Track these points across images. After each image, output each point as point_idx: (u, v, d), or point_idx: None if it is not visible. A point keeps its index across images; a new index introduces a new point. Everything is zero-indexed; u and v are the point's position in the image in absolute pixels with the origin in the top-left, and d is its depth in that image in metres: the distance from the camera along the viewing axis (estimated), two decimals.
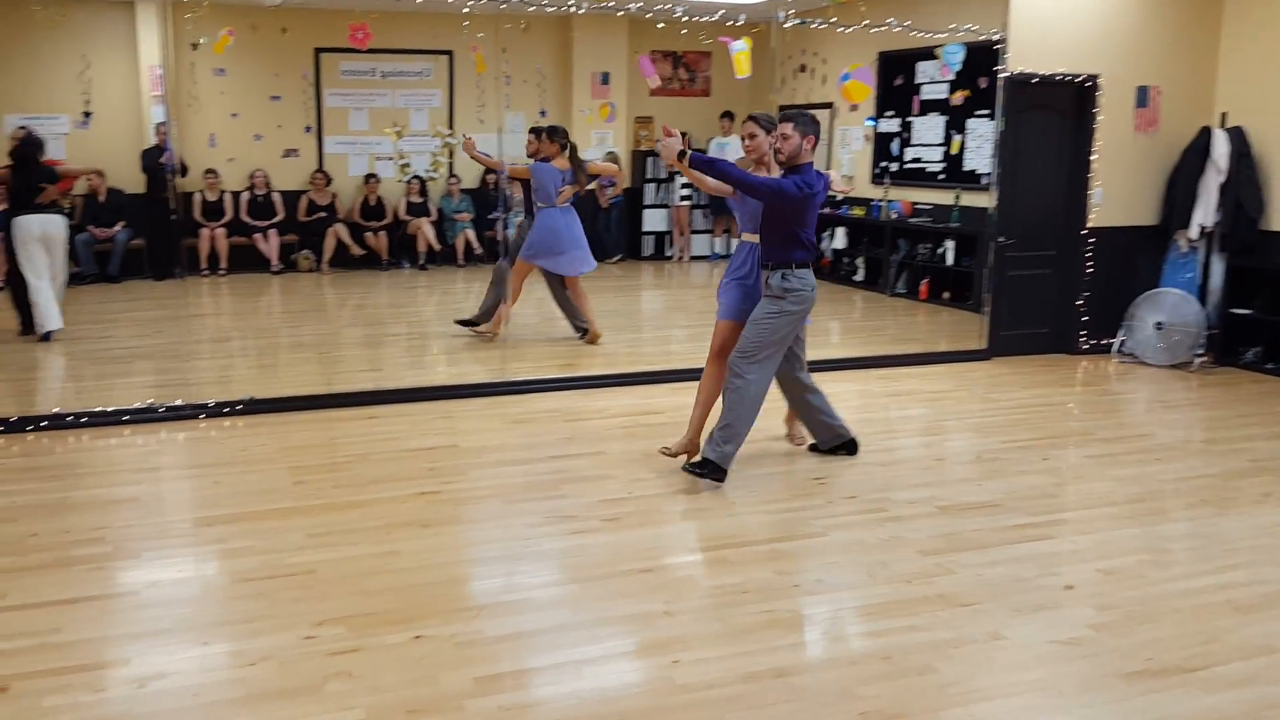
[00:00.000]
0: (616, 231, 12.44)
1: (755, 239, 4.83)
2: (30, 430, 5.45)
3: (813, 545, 4.08)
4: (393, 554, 3.90)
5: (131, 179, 10.72)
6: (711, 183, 4.82)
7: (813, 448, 5.27)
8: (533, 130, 7.76)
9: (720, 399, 4.77)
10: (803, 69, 11.61)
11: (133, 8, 10.60)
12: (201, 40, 9.46)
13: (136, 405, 5.77)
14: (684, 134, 4.65)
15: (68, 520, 4.18)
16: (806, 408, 5.14)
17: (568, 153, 7.47)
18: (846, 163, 11.22)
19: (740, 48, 6.02)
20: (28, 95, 10.53)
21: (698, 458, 4.73)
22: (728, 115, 12.18)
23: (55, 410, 5.65)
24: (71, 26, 10.43)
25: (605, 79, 12.15)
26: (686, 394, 6.31)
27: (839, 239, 11.10)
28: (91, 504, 4.40)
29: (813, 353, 5.31)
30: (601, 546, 3.99)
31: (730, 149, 12.32)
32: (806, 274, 4.64)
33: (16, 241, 7.44)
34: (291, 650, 3.13)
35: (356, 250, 11.52)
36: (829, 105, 11.32)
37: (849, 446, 5.20)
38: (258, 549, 3.92)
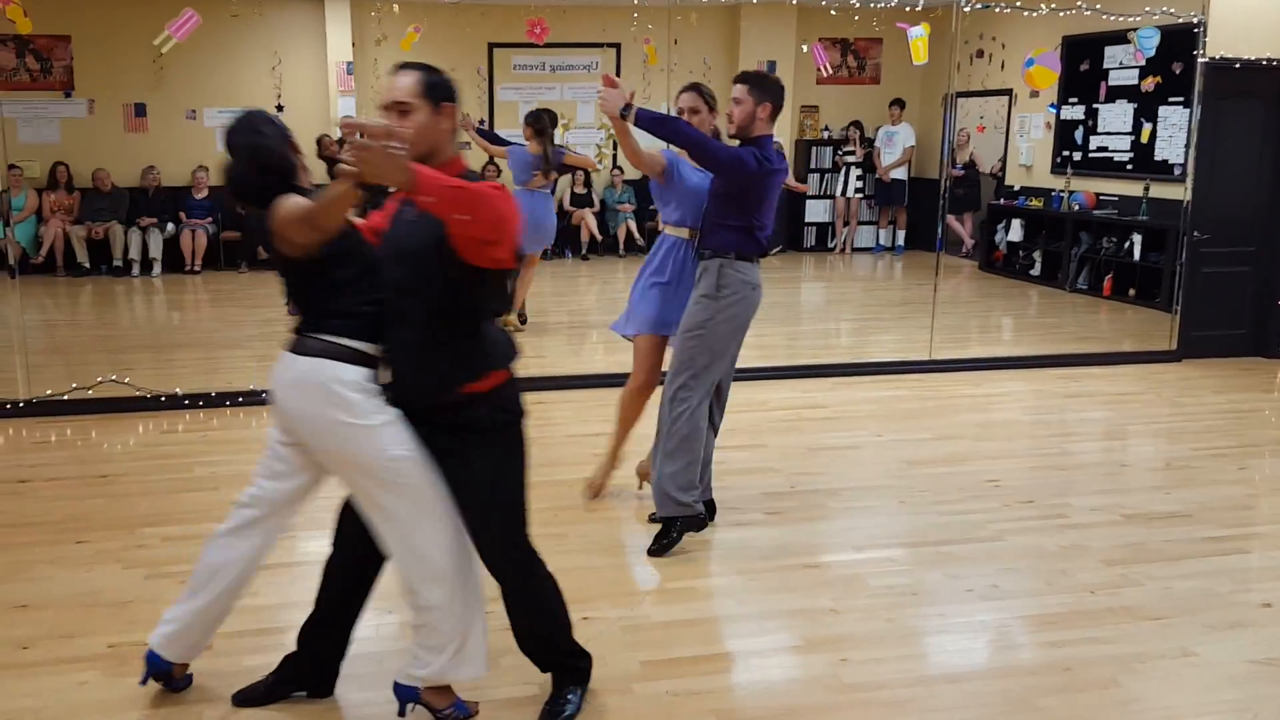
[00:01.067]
0: (777, 222, 12.33)
1: (682, 233, 4.02)
2: (228, 405, 5.84)
3: (987, 549, 3.94)
4: (560, 536, 3.99)
5: (315, 170, 11.33)
6: (645, 156, 3.87)
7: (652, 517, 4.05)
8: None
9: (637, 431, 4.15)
10: (980, 54, 11.21)
11: (322, 5, 11.17)
12: (384, 37, 9.87)
13: None
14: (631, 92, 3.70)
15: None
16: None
17: (544, 139, 7.46)
18: (1025, 151, 10.77)
19: (919, 33, 5.86)
20: (224, 89, 11.24)
21: (659, 525, 3.88)
22: (898, 103, 11.89)
23: (250, 387, 6.03)
24: (265, 24, 11.07)
25: (771, 68, 12.04)
26: (849, 389, 6.25)
27: (1015, 231, 10.68)
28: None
29: (982, 349, 5.12)
30: (765, 540, 3.97)
31: (899, 137, 12.02)
32: (749, 268, 3.81)
33: None
34: None
35: None
36: (1008, 92, 10.90)
37: (694, 522, 3.88)
38: None
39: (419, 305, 2.47)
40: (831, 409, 5.83)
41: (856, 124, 12.25)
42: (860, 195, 12.38)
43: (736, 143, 3.82)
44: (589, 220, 11.80)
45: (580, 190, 11.90)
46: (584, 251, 11.88)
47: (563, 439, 5.26)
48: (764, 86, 3.75)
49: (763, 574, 3.67)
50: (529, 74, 11.95)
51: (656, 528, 3.95)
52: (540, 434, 5.29)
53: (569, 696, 2.78)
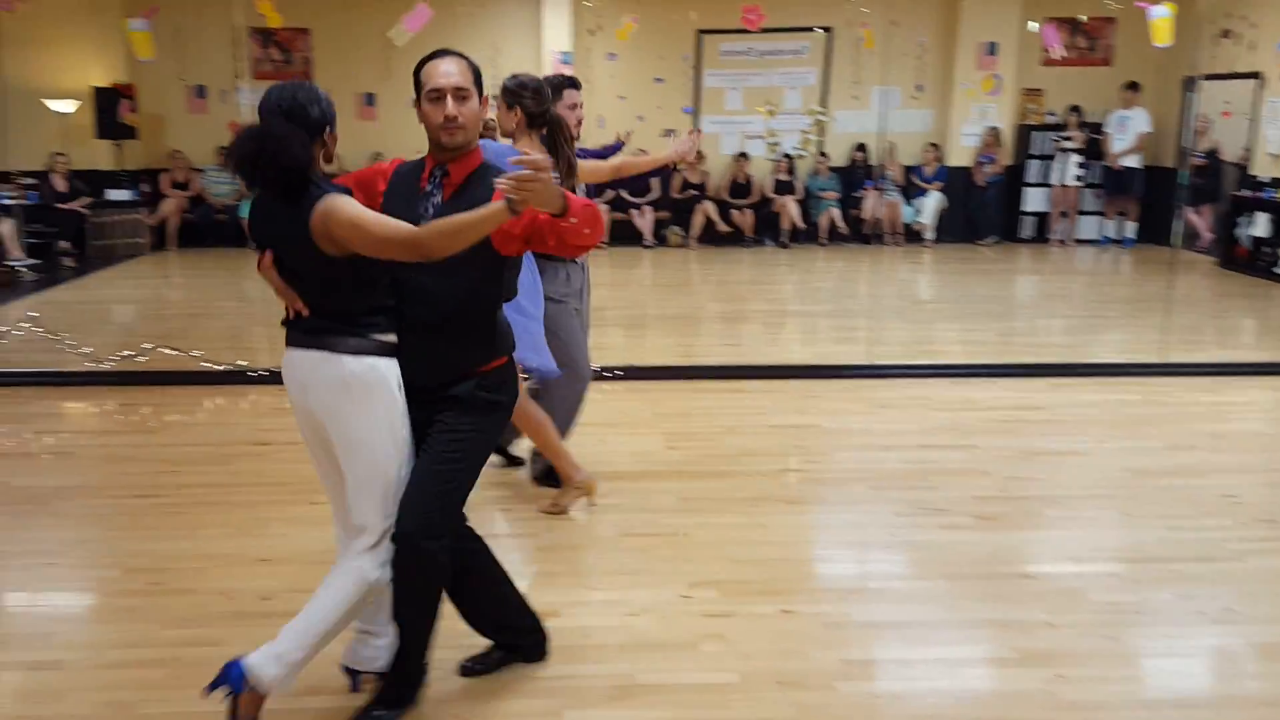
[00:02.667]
0: (993, 211, 11.81)
1: None
2: None
3: (1222, 570, 3.64)
4: (760, 527, 3.97)
5: None
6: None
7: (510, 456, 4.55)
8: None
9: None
10: (1226, 34, 10.32)
11: None
12: (599, 27, 10.08)
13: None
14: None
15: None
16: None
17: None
18: (1276, 139, 9.84)
19: (1162, 13, 5.44)
20: None
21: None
22: (1132, 86, 11.13)
23: None
24: (485, 16, 11.52)
25: (992, 49, 11.52)
26: (1069, 390, 5.91)
27: (1260, 225, 9.79)
28: (497, 450, 4.87)
29: (1221, 353, 4.71)
30: (975, 544, 3.82)
31: (1132, 122, 11.24)
32: None
33: None
34: (669, 607, 3.29)
35: (723, 227, 11.83)
36: (1256, 75, 10.00)
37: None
38: (636, 507, 4.15)
39: (452, 289, 2.51)
40: (1049, 411, 5.53)
41: (1075, 108, 11.54)
42: (1081, 184, 11.67)
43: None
44: (790, 208, 11.68)
45: (784, 177, 11.79)
46: (784, 239, 11.77)
47: (762, 429, 5.24)
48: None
49: (972, 580, 3.53)
50: (736, 60, 11.91)
51: (857, 519, 3.89)
52: (738, 423, 5.32)
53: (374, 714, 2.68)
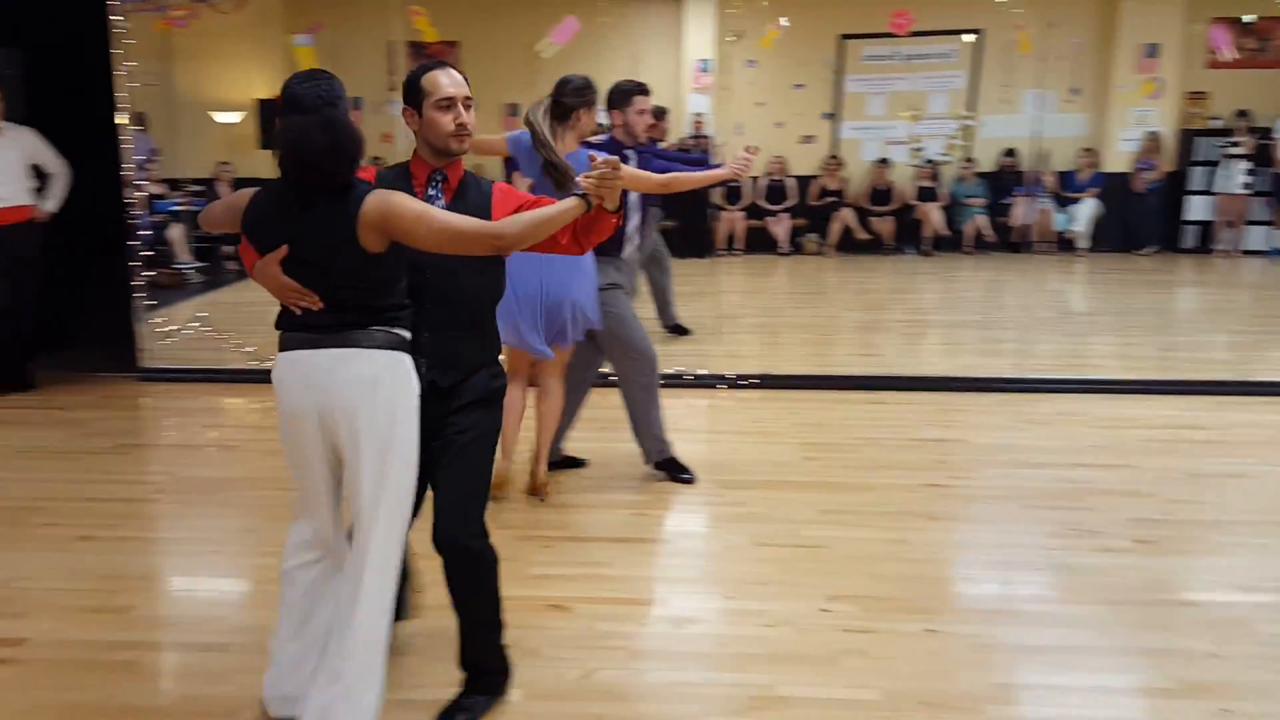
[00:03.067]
0: (1154, 219, 11.26)
1: None
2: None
3: None
4: (902, 542, 3.88)
5: None
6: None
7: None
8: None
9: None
10: None
11: (680, 6, 11.59)
12: (733, 37, 10.08)
13: (668, 371, 6.33)
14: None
15: (612, 469, 4.71)
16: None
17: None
18: None
19: None
20: None
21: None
22: None
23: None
24: (626, 26, 11.65)
25: (1152, 51, 10.99)
26: (1236, 409, 5.58)
27: None
28: (630, 456, 4.89)
29: None
30: (1134, 569, 3.63)
31: None
32: None
33: None
34: (807, 619, 3.25)
35: (861, 234, 11.64)
36: None
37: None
38: (774, 517, 4.12)
39: (477, 287, 2.62)
40: (1214, 431, 5.23)
41: (1243, 113, 10.88)
42: (1249, 192, 10.99)
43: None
44: (934, 215, 11.41)
45: (927, 184, 11.52)
46: (927, 247, 11.50)
47: (904, 442, 5.12)
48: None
49: (1130, 606, 3.37)
50: (880, 64, 11.72)
51: (1006, 539, 3.77)
52: (879, 435, 5.22)
53: (466, 704, 2.70)
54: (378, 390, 2.38)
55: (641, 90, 4.27)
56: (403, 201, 2.31)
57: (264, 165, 11.00)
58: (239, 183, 11.15)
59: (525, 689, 2.84)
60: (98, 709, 2.75)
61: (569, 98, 3.88)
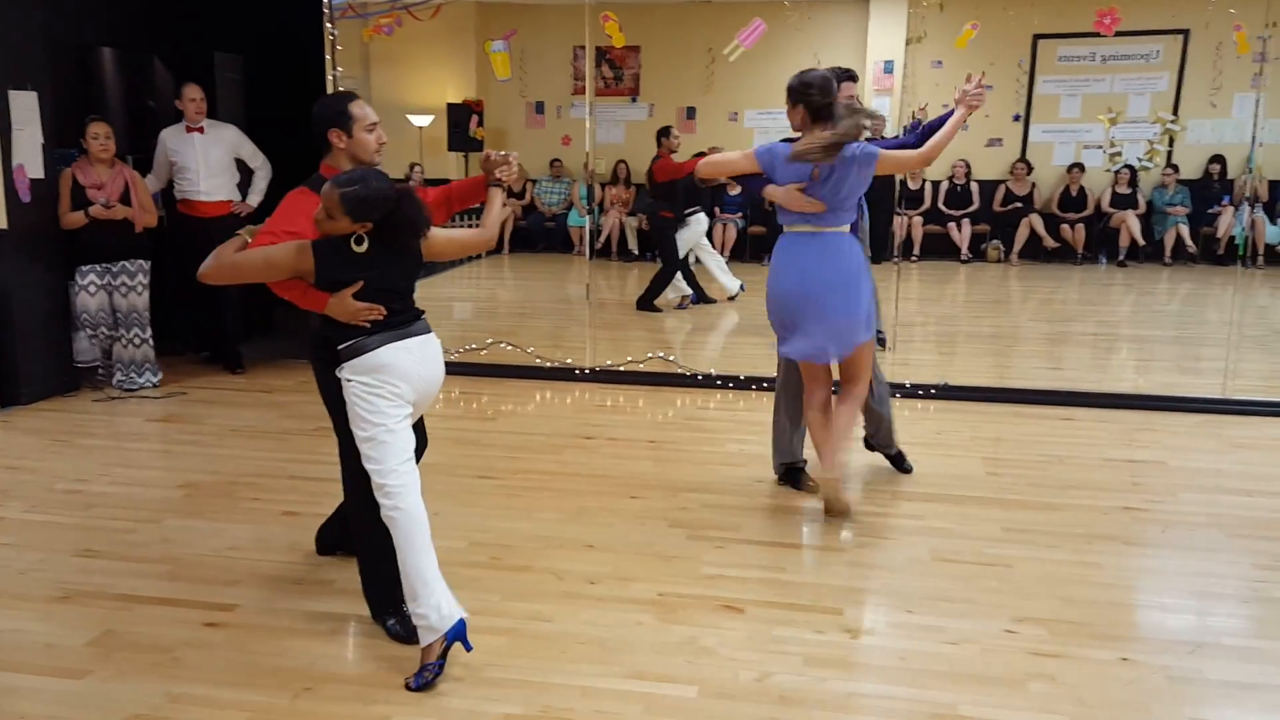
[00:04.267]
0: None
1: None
2: (754, 388, 6.22)
3: None
4: (1094, 566, 3.70)
5: None
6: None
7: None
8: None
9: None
10: None
11: (866, 5, 11.39)
12: (924, 34, 9.83)
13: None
14: None
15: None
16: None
17: None
18: None
19: None
20: (763, 91, 11.90)
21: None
22: None
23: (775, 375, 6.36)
24: (810, 26, 11.52)
25: None
26: None
27: None
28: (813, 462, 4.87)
29: None
30: None
31: None
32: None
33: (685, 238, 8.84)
34: (992, 640, 3.14)
35: (1050, 242, 11.15)
36: None
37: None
38: (955, 533, 4.00)
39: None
40: None
41: None
42: None
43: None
44: (1131, 223, 10.80)
45: (1124, 190, 10.92)
46: (1122, 257, 10.90)
47: (1095, 461, 4.88)
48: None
49: None
50: (1075, 65, 11.18)
51: (1208, 568, 3.54)
52: (1067, 453, 4.98)
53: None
54: (441, 365, 3.13)
55: (849, 76, 4.37)
56: (436, 230, 3.14)
57: (453, 166, 11.51)
58: (429, 184, 11.67)
59: (701, 686, 2.86)
60: (301, 674, 2.94)
61: (819, 95, 3.88)
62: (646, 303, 8.77)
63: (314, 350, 3.15)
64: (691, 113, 12.22)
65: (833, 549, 3.89)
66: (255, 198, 6.72)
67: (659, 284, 8.81)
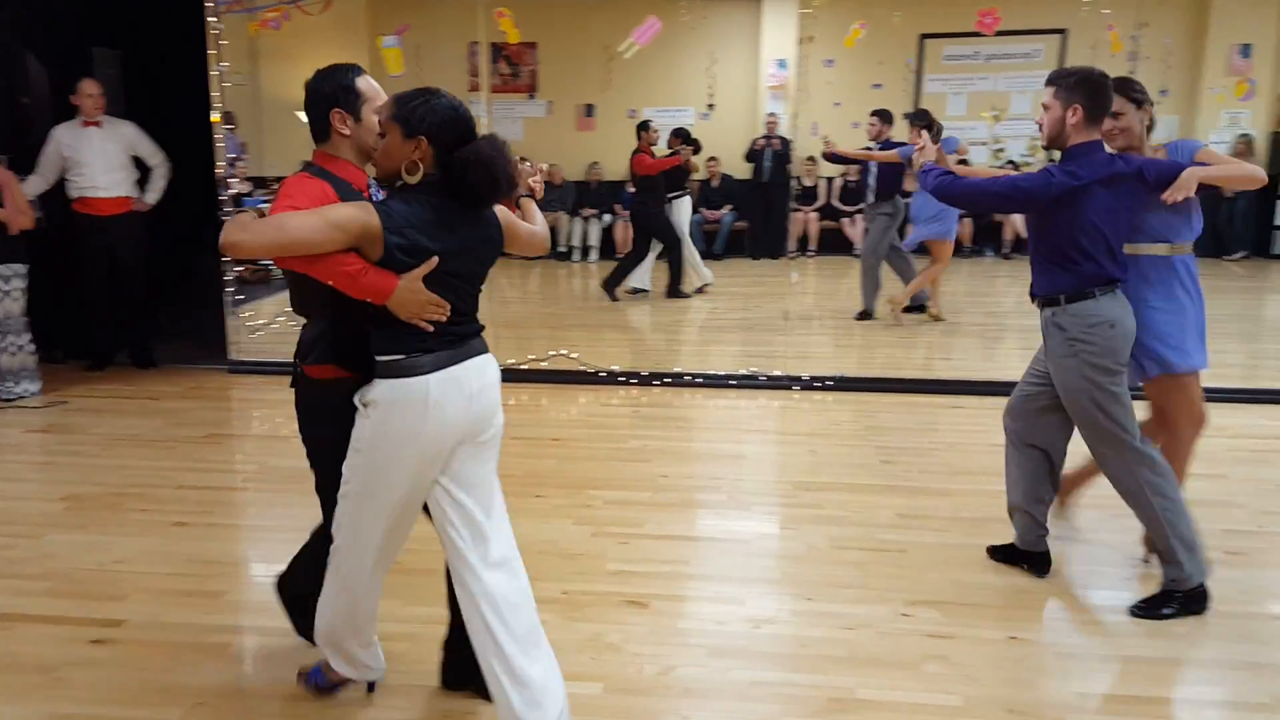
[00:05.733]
0: (1241, 224, 10.92)
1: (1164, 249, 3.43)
2: (656, 384, 6.25)
3: None
4: (983, 548, 3.82)
5: (742, 166, 11.75)
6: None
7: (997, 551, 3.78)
8: (877, 113, 7.95)
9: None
10: None
11: (759, 5, 11.55)
12: (811, 36, 10.04)
13: (741, 371, 6.34)
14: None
15: (689, 467, 4.73)
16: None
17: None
18: None
19: None
20: (663, 90, 12.00)
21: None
22: None
23: (676, 369, 6.42)
24: (705, 26, 11.65)
25: (1245, 52, 10.66)
26: None
27: None
28: (707, 455, 4.93)
29: None
30: (1225, 581, 3.53)
31: None
32: (1088, 306, 3.24)
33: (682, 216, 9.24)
34: (888, 623, 3.23)
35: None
36: None
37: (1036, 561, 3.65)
38: (852, 520, 4.09)
39: None
40: None
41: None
42: None
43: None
44: (1014, 217, 11.19)
45: None
46: (1007, 250, 11.30)
47: (985, 447, 5.04)
48: (1071, 86, 3.19)
49: (1221, 619, 3.28)
50: (960, 64, 11.55)
51: (1095, 549, 3.69)
52: (958, 439, 5.15)
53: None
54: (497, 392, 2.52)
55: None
56: (509, 214, 2.58)
57: None
58: None
59: (605, 682, 2.87)
60: (194, 689, 2.85)
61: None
62: (612, 286, 9.24)
63: (310, 365, 2.56)
64: (590, 110, 12.22)
65: (735, 541, 3.94)
66: (153, 196, 6.52)
67: (626, 267, 9.27)
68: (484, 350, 2.46)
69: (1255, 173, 3.36)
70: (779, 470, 4.76)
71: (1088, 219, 3.19)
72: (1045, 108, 3.28)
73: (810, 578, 3.58)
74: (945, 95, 11.61)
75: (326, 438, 2.54)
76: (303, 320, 2.66)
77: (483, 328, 2.47)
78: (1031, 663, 3.00)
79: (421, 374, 2.32)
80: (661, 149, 9.19)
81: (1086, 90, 3.19)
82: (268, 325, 7.55)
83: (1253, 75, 10.74)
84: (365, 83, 2.53)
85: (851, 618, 3.26)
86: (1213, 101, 10.92)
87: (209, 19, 6.35)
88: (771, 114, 11.61)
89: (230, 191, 6.74)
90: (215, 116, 6.58)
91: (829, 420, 5.56)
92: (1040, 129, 3.32)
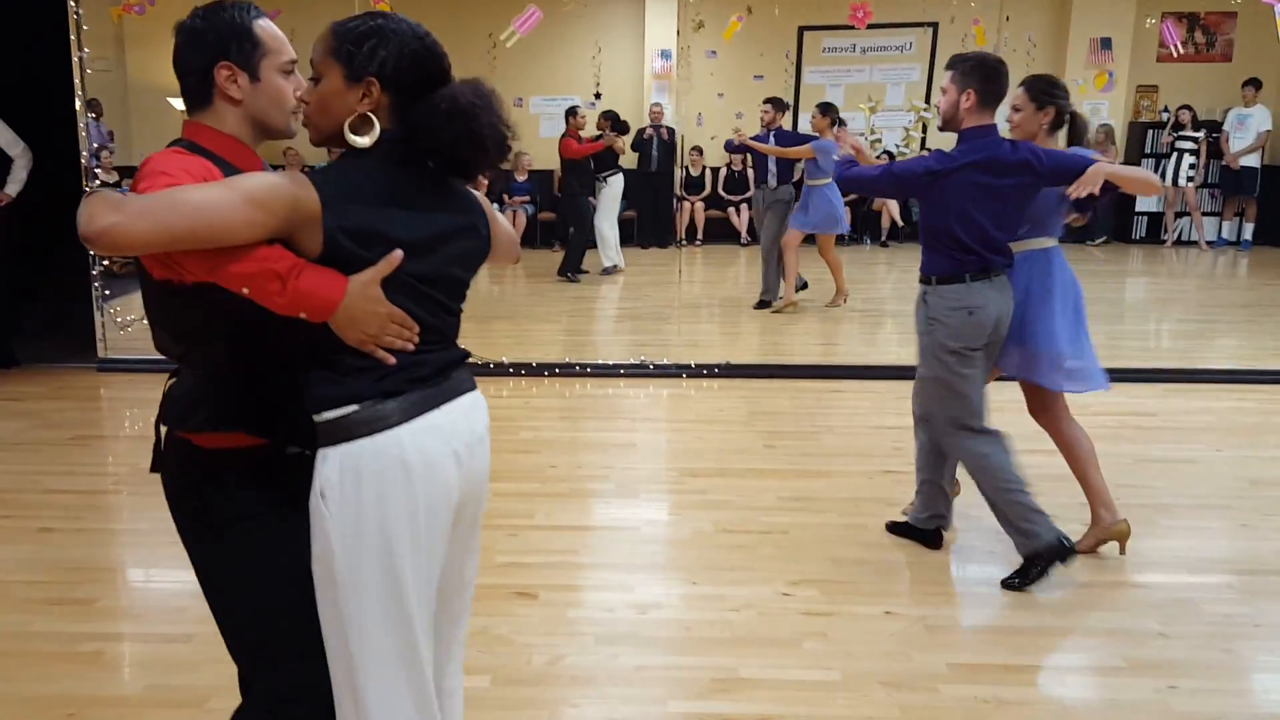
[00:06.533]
0: (1102, 211, 11.50)
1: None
2: (546, 375, 6.26)
3: None
4: (860, 527, 3.97)
5: (629, 155, 11.79)
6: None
7: (894, 526, 3.90)
8: (770, 101, 8.23)
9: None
10: None
11: None
12: (701, 24, 10.16)
13: (630, 361, 6.40)
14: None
15: (579, 457, 4.76)
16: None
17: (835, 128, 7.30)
18: None
19: None
20: (549, 79, 11.95)
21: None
22: (1253, 83, 10.71)
23: (567, 359, 6.44)
24: (589, 16, 11.65)
25: (1106, 44, 11.20)
26: (1182, 397, 5.75)
27: None
28: (596, 445, 4.96)
29: None
30: (1084, 554, 3.74)
31: (1253, 120, 10.82)
32: (957, 290, 3.35)
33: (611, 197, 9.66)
34: (770, 604, 3.32)
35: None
36: None
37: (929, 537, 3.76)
38: (735, 504, 4.19)
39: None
40: (1161, 418, 5.39)
41: (1186, 107, 11.14)
42: (1194, 183, 11.27)
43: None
44: (891, 206, 11.55)
45: None
46: (884, 238, 11.65)
47: (862, 430, 5.21)
48: (967, 71, 3.31)
49: (1081, 588, 3.48)
50: (838, 56, 11.83)
51: (959, 523, 3.87)
52: (837, 423, 5.31)
53: None
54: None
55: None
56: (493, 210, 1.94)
57: None
58: None
59: (494, 674, 2.88)
60: (65, 699, 2.75)
61: None
62: (569, 269, 9.68)
63: (195, 429, 1.75)
64: None
65: (623, 529, 3.99)
66: (14, 187, 6.21)
67: (577, 250, 9.74)
68: (470, 387, 1.80)
69: (1156, 180, 3.53)
70: (667, 458, 4.83)
71: (962, 205, 3.30)
72: (943, 91, 3.39)
73: (696, 562, 3.65)
74: (824, 87, 11.87)
75: (232, 545, 1.76)
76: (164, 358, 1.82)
77: (467, 355, 1.81)
78: (905, 636, 3.13)
79: (388, 427, 1.62)
80: (591, 132, 9.85)
81: (981, 75, 3.30)
82: (138, 320, 7.27)
83: (1111, 67, 11.31)
84: (267, 28, 1.76)
85: (735, 599, 3.35)
86: (1075, 93, 11.43)
87: (69, 3, 6.06)
88: (656, 104, 11.69)
89: (96, 182, 6.46)
90: (78, 105, 6.29)
91: (715, 407, 5.66)
92: (938, 111, 3.44)
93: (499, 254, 1.92)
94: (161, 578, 3.63)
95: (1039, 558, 3.43)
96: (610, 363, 6.37)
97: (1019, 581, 3.46)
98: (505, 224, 1.97)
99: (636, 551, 3.76)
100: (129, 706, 2.73)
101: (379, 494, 1.61)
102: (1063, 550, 3.41)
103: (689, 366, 6.31)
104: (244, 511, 1.76)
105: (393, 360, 1.63)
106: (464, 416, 1.75)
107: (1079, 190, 3.29)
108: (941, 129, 3.47)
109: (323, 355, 1.63)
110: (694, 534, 3.91)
